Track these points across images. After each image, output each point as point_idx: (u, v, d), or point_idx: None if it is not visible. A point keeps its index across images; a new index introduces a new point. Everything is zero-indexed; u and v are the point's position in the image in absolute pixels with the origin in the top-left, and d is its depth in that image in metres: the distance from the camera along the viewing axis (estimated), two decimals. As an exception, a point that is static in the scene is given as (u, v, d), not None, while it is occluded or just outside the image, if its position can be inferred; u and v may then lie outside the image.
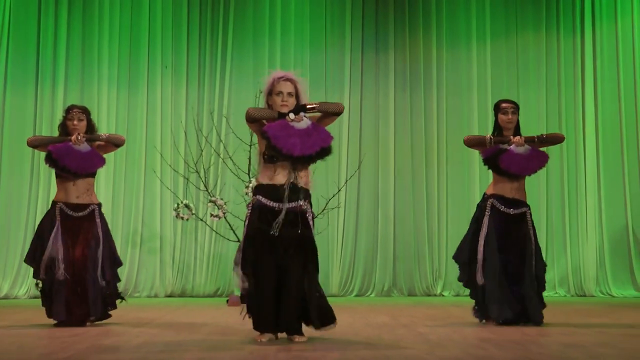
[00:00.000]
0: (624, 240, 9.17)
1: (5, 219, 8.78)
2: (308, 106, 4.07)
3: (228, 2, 9.38)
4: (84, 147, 5.05)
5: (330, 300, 4.10)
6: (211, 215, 7.79)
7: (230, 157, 8.10)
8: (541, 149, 5.20)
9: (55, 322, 4.95)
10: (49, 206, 8.54)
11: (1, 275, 8.60)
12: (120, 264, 5.33)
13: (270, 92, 4.11)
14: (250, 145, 7.86)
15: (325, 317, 3.97)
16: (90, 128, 5.21)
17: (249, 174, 7.80)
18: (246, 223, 4.00)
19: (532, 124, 8.41)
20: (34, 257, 5.09)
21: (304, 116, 4.02)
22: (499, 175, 5.09)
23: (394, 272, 9.14)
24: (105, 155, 5.22)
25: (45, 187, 8.81)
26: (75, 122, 5.12)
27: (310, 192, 4.10)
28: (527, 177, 5.20)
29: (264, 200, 3.96)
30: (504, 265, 4.96)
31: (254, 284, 3.90)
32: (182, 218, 7.79)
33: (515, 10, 9.65)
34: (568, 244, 9.11)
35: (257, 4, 9.45)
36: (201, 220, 8.45)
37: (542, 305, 4.99)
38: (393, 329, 4.55)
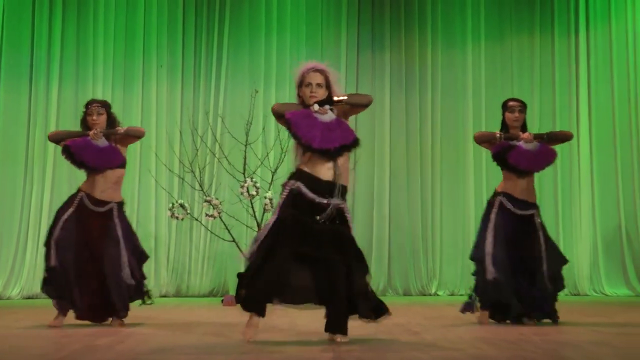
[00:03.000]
0: (617, 240, 9.19)
1: (-2, 217, 8.76)
2: (335, 99, 4.03)
3: (224, 1, 9.36)
4: (102, 142, 4.98)
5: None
6: (206, 215, 7.78)
7: (225, 157, 8.09)
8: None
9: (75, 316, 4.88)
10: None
11: (-6, 276, 8.57)
12: (146, 258, 5.22)
13: (301, 84, 4.07)
14: (246, 145, 7.87)
15: (379, 309, 3.94)
16: (112, 122, 5.12)
17: (244, 174, 7.80)
18: (279, 205, 3.90)
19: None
20: (47, 241, 4.98)
21: (330, 109, 3.99)
22: (508, 171, 5.11)
23: (389, 271, 9.13)
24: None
25: (39, 185, 8.78)
26: (94, 117, 5.04)
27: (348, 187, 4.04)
28: (534, 179, 5.23)
29: (304, 189, 3.89)
30: (512, 262, 4.98)
31: (260, 262, 3.78)
32: (177, 218, 7.77)
33: (510, 11, 9.64)
34: (562, 243, 9.05)
35: (252, 3, 9.42)
36: (196, 220, 8.43)
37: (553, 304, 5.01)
38: (388, 329, 4.55)
